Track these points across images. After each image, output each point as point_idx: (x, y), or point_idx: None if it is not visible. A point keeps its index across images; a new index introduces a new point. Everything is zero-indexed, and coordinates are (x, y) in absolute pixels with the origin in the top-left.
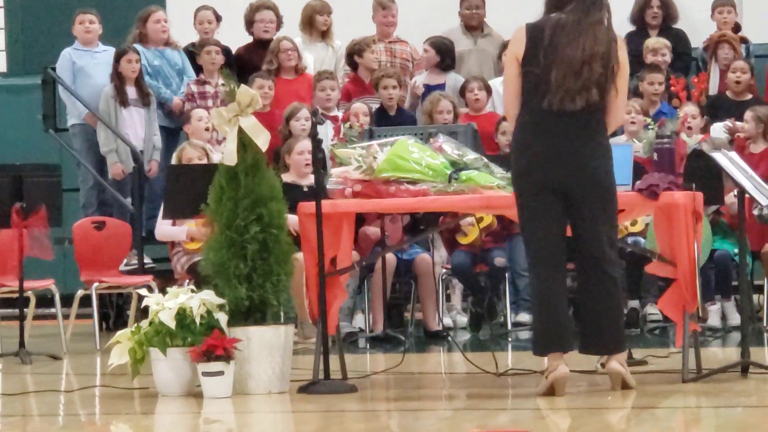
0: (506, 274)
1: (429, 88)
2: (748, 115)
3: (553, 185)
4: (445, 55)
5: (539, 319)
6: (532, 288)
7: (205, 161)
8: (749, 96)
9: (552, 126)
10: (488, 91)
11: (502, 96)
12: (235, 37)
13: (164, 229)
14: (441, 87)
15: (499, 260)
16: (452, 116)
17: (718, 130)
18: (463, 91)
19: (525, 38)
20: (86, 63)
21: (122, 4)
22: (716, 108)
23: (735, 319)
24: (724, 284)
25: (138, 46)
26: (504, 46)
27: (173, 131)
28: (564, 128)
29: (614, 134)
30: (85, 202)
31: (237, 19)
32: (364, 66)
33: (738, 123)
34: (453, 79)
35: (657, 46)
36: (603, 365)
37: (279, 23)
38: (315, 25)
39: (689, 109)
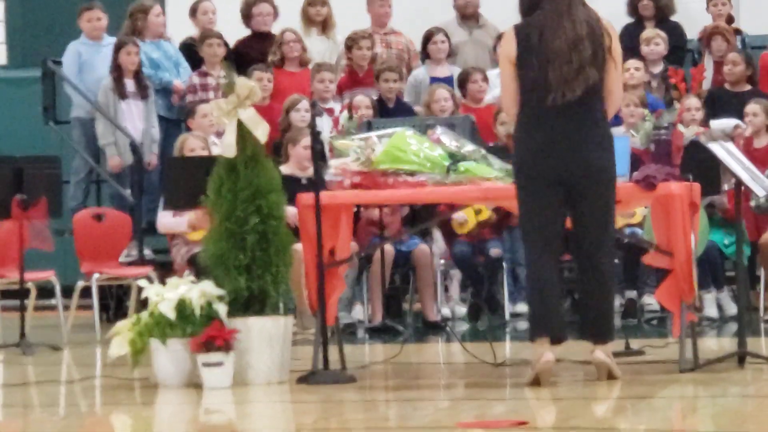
0: (504, 265)
1: (435, 80)
2: (756, 107)
3: (553, 177)
4: None
5: (530, 305)
6: (527, 275)
7: (206, 153)
8: (748, 87)
9: (552, 119)
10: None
11: (500, 96)
12: (229, 30)
13: (165, 220)
14: (448, 79)
15: (495, 251)
16: (451, 104)
17: (718, 125)
18: (463, 82)
19: (514, 40)
20: (92, 56)
21: None
22: (715, 100)
23: (731, 309)
24: (714, 275)
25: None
26: (500, 36)
27: (173, 122)
28: (564, 120)
29: (613, 125)
30: (73, 194)
31: (230, 12)
32: (355, 60)
33: (742, 124)
34: (458, 72)
35: (650, 35)
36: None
37: (276, 14)
38: (310, 17)
39: (690, 102)
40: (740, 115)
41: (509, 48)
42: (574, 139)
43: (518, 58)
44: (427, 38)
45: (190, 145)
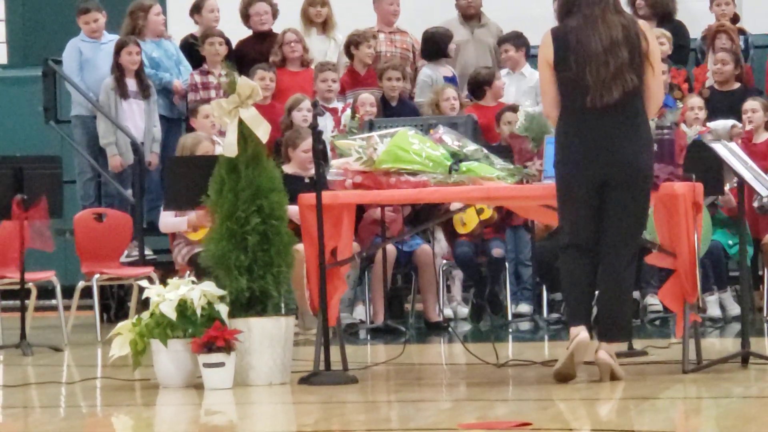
0: (506, 265)
1: (445, 80)
2: (755, 104)
3: (595, 179)
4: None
5: (567, 297)
6: (563, 268)
7: None
8: (737, 85)
9: (592, 121)
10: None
11: (541, 99)
12: (231, 30)
13: (167, 220)
14: (453, 78)
15: (497, 251)
16: (458, 103)
17: (716, 125)
18: (489, 81)
19: (552, 43)
20: (93, 55)
21: None
22: (707, 100)
23: (734, 309)
24: (719, 275)
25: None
26: (506, 37)
27: (174, 121)
28: (604, 122)
29: None
30: (83, 194)
31: (232, 12)
32: (359, 59)
33: (738, 124)
34: (460, 71)
35: (655, 34)
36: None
37: (275, 12)
38: (310, 17)
39: (693, 101)
40: (730, 115)
41: (547, 51)
42: (615, 141)
43: (556, 61)
44: (449, 39)
45: (206, 148)
